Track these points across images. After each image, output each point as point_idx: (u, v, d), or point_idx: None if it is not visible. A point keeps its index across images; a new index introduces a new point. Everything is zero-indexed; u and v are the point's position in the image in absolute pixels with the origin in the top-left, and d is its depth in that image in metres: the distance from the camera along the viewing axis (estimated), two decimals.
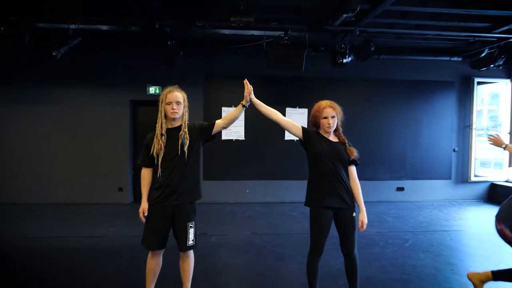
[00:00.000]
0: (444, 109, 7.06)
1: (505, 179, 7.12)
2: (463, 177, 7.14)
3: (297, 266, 3.52)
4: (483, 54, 6.20)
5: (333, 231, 2.70)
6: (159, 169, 2.55)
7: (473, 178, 7.10)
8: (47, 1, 4.76)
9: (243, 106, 2.64)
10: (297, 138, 2.76)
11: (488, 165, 9.82)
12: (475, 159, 7.16)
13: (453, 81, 7.07)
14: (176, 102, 2.56)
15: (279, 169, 6.75)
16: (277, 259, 3.85)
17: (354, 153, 2.64)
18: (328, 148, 2.63)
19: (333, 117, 2.63)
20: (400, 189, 7.01)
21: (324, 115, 2.63)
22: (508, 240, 2.60)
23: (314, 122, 2.71)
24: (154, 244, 2.61)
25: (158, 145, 2.55)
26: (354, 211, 2.64)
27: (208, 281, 3.24)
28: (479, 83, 7.10)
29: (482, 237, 4.74)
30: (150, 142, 2.60)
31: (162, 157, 2.55)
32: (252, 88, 2.60)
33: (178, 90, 2.63)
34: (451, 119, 7.10)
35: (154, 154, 2.56)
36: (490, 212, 6.22)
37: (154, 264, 2.67)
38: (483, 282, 2.87)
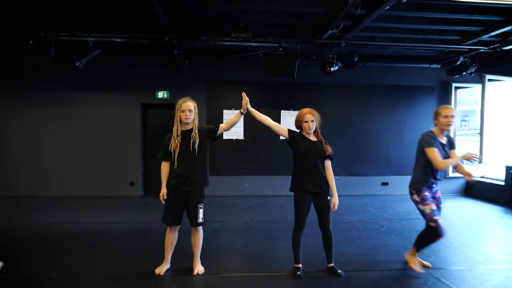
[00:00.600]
0: (425, 111, 7.71)
1: (480, 175, 7.77)
2: (442, 173, 7.80)
3: (287, 245, 4.11)
4: (458, 62, 6.88)
5: (315, 217, 3.39)
6: (175, 162, 3.25)
7: (451, 174, 7.78)
8: (72, 18, 5.44)
9: (241, 113, 3.35)
10: (285, 138, 3.47)
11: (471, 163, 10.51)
12: None
13: (433, 86, 7.75)
14: (188, 110, 3.26)
15: (275, 166, 7.38)
16: (271, 240, 4.55)
17: (329, 150, 3.35)
18: (309, 147, 3.34)
19: (312, 121, 3.33)
20: (385, 183, 7.69)
21: (305, 119, 3.33)
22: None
23: (297, 125, 3.42)
24: (172, 221, 3.31)
25: (174, 143, 3.25)
26: (328, 195, 3.35)
27: (213, 256, 3.92)
28: (456, 87, 7.78)
29: (453, 225, 5.36)
30: (168, 141, 3.30)
31: (178, 153, 3.24)
32: (248, 100, 3.31)
33: (190, 100, 3.33)
34: (431, 121, 7.75)
35: (172, 150, 3.25)
36: (465, 205, 6.92)
37: (171, 237, 3.38)
38: (412, 255, 3.61)
